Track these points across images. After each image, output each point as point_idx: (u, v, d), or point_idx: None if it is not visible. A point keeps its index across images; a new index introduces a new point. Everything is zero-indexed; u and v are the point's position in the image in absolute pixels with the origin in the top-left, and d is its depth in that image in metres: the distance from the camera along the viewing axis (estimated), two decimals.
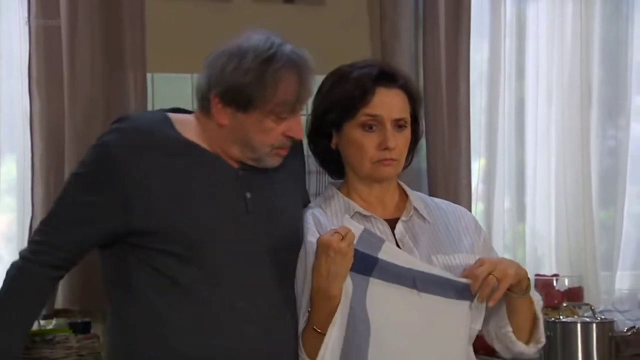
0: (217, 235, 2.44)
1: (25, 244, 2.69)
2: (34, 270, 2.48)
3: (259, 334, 2.44)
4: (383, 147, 2.51)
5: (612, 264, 4.44)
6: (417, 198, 2.64)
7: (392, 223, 2.56)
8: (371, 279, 2.41)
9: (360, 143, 2.52)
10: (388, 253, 2.42)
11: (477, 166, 4.30)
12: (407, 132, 2.56)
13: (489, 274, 2.44)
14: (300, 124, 2.50)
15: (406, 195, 2.63)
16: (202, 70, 2.51)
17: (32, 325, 2.56)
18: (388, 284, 2.42)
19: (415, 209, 2.59)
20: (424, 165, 4.14)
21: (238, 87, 2.43)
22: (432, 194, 3.87)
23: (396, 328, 2.42)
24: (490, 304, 2.48)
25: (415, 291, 2.43)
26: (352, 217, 2.52)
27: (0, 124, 3.67)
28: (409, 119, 2.57)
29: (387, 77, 2.55)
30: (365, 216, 2.55)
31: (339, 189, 2.61)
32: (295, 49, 2.47)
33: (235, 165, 2.51)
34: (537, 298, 2.62)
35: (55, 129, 3.58)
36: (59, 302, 3.57)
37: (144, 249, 2.45)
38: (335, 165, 2.62)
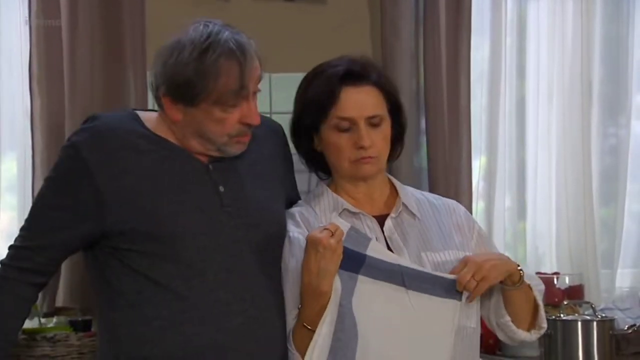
0: (192, 230, 2.42)
1: None
2: (13, 276, 2.45)
3: (245, 324, 2.42)
4: (358, 146, 2.48)
5: (612, 262, 4.43)
6: (408, 194, 2.61)
7: (381, 220, 2.54)
8: (359, 277, 2.40)
9: (336, 144, 2.49)
10: (375, 250, 2.41)
11: (478, 164, 4.30)
12: (384, 128, 2.52)
13: (472, 276, 2.43)
14: (254, 109, 2.45)
15: (397, 191, 2.60)
16: (151, 67, 2.49)
17: (15, 332, 2.50)
18: (376, 282, 2.41)
19: (404, 205, 2.57)
20: (424, 163, 4.14)
21: (180, 82, 2.39)
22: (432, 192, 3.85)
23: (383, 326, 2.41)
24: (468, 301, 2.46)
25: (403, 289, 2.42)
26: (340, 213, 2.50)
27: (1, 122, 3.69)
28: (384, 114, 2.52)
29: (354, 75, 2.50)
30: (353, 213, 2.52)
31: (328, 186, 2.59)
32: (234, 35, 2.42)
33: (205, 159, 2.49)
34: (535, 283, 2.60)
35: (56, 127, 3.59)
36: (60, 300, 3.58)
37: (120, 251, 2.43)
38: (321, 165, 2.59)
